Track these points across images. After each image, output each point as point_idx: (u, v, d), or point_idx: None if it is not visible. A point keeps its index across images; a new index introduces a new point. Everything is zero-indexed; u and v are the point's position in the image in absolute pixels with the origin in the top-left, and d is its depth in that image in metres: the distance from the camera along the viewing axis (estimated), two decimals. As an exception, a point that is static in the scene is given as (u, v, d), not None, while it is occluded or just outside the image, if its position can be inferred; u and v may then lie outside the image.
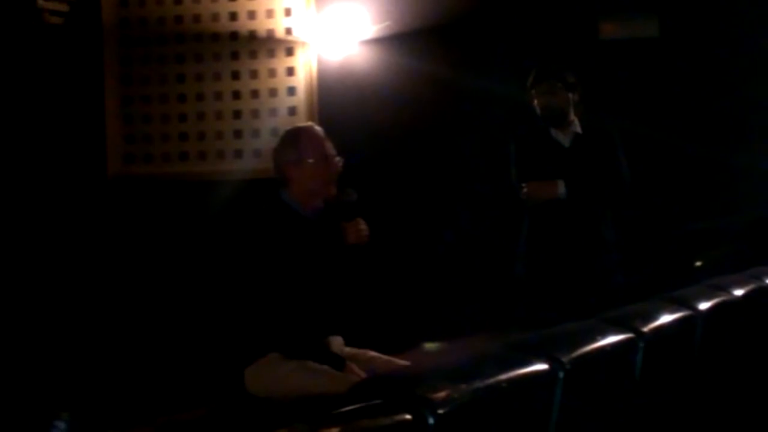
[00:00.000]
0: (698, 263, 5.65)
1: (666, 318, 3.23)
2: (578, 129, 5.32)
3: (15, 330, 6.37)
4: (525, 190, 5.19)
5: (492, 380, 2.39)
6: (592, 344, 2.80)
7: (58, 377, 5.83)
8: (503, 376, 2.42)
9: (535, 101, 5.27)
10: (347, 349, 4.18)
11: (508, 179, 5.34)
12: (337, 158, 4.18)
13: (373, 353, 4.20)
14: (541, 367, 2.53)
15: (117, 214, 6.91)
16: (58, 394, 5.22)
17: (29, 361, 6.12)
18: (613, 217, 5.34)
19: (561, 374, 2.56)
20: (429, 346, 5.39)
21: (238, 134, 6.83)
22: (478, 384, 2.35)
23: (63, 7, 6.86)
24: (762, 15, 6.10)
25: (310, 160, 4.10)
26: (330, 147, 4.18)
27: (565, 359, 2.59)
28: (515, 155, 5.33)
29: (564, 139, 5.31)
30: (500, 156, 5.47)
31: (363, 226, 4.18)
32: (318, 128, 4.27)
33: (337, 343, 4.17)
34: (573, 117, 5.32)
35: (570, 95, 5.28)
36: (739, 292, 3.85)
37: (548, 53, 6.09)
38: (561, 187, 5.15)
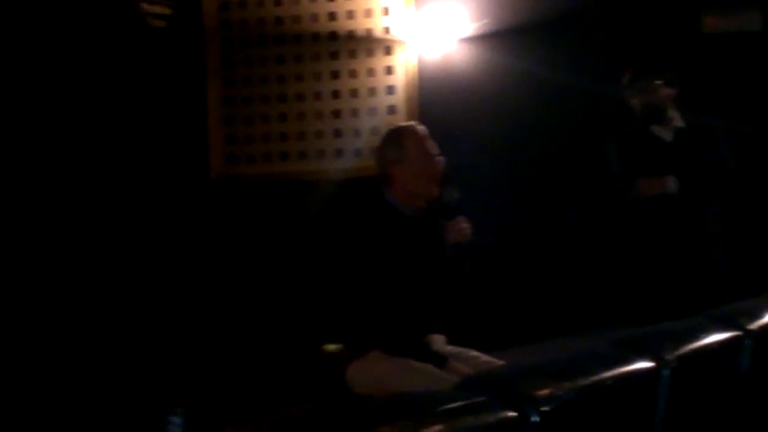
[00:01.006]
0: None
1: (774, 316, 3.18)
2: (680, 123, 5.29)
3: (127, 328, 6.51)
4: (636, 187, 5.16)
5: (596, 378, 2.38)
6: (698, 342, 2.78)
7: (171, 373, 5.95)
8: (607, 374, 2.41)
9: (634, 99, 5.25)
10: (449, 348, 4.18)
11: (610, 178, 5.31)
12: (440, 158, 4.17)
13: (474, 352, 4.19)
14: (646, 365, 2.52)
15: (221, 214, 7.00)
16: (171, 389, 5.32)
17: (143, 357, 6.26)
18: (719, 210, 5.28)
19: (666, 372, 2.54)
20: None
21: (338, 133, 6.88)
22: (582, 381, 2.34)
23: (165, 11, 6.98)
24: None
25: (413, 160, 4.09)
26: (433, 146, 4.17)
27: (669, 357, 2.57)
28: (617, 154, 5.30)
29: (666, 135, 5.27)
30: (600, 156, 5.43)
31: (465, 225, 4.17)
32: (421, 127, 4.25)
33: (439, 341, 4.17)
34: (672, 112, 5.28)
35: (668, 91, 5.25)
36: None
37: (650, 49, 6.01)
38: (671, 183, 5.12)
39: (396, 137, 4.21)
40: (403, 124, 4.77)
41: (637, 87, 5.23)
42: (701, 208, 5.22)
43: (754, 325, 3.01)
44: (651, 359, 2.53)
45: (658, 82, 5.21)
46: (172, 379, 5.80)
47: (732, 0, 6.14)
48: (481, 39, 6.45)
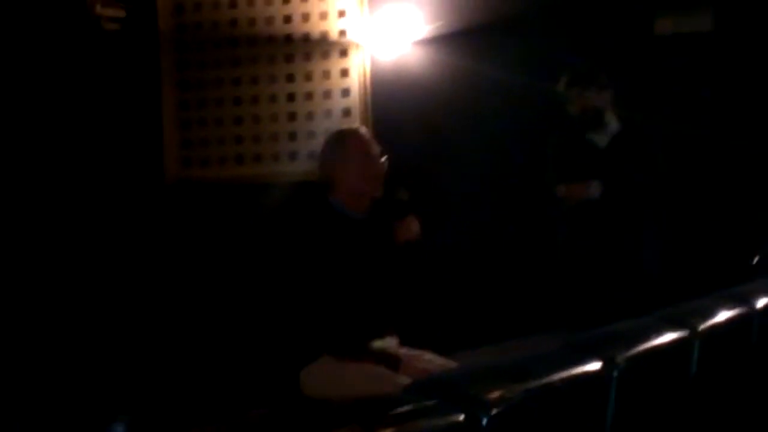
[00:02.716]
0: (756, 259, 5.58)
1: (722, 315, 3.21)
2: (615, 129, 5.31)
3: (73, 333, 6.45)
4: (560, 191, 5.19)
5: (545, 380, 2.39)
6: (647, 343, 2.79)
7: (116, 380, 5.90)
8: (557, 376, 2.42)
9: (569, 106, 5.29)
10: (403, 350, 4.18)
11: (546, 182, 5.36)
12: (383, 159, 4.18)
13: (429, 355, 4.19)
14: (595, 366, 2.53)
15: (176, 218, 6.97)
16: (116, 396, 5.28)
17: (88, 363, 6.20)
18: (654, 214, 5.30)
19: (615, 373, 2.55)
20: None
21: (293, 136, 6.87)
22: (532, 384, 2.35)
23: (120, 14, 6.93)
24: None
25: (355, 161, 4.11)
26: (375, 148, 4.18)
27: (619, 358, 2.59)
28: (552, 159, 5.33)
29: (600, 140, 5.30)
30: (539, 159, 5.48)
31: (414, 224, 4.19)
32: (363, 129, 4.30)
33: (392, 343, 4.17)
34: (609, 117, 5.31)
35: (603, 96, 5.28)
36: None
37: (602, 51, 6.05)
38: (593, 188, 5.14)
39: (338, 140, 4.24)
40: (345, 127, 4.81)
41: (572, 94, 5.26)
42: (635, 213, 5.24)
43: (704, 326, 3.03)
44: (600, 360, 2.54)
45: (593, 87, 5.24)
46: (118, 385, 5.76)
47: (684, 2, 6.19)
48: (434, 42, 6.47)
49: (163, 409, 4.84)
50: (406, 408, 2.10)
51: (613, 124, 5.30)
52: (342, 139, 4.24)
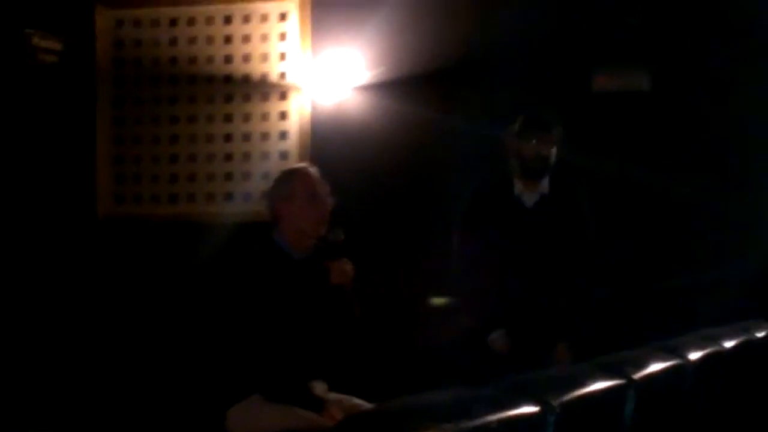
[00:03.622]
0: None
1: (657, 366, 3.20)
2: (545, 189, 5.04)
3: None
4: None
5: (480, 421, 2.35)
6: (583, 389, 2.76)
7: (36, 400, 5.78)
8: (492, 417, 2.37)
9: (520, 150, 5.00)
10: (331, 395, 4.14)
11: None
12: (330, 199, 4.18)
13: (357, 400, 4.16)
14: (532, 409, 2.49)
15: (108, 255, 6.87)
16: (26, 412, 5.18)
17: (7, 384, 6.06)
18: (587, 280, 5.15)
19: (551, 418, 2.52)
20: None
21: (228, 177, 6.81)
22: (466, 424, 2.31)
23: (57, 46, 6.86)
24: (753, 65, 6.13)
25: (301, 199, 4.13)
26: (323, 187, 4.20)
27: (555, 402, 2.55)
28: (474, 214, 5.07)
29: (528, 199, 5.04)
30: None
31: (348, 266, 4.17)
32: (313, 169, 4.28)
33: (320, 387, 4.13)
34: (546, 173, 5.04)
35: (556, 146, 5.03)
36: (729, 344, 3.82)
37: (541, 103, 6.08)
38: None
39: (287, 177, 4.28)
40: (296, 165, 4.80)
41: (529, 137, 4.98)
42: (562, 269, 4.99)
43: (638, 375, 3.02)
44: (536, 404, 2.50)
45: (549, 135, 4.99)
46: (29, 402, 5.64)
47: (621, 60, 6.26)
48: (375, 87, 6.47)
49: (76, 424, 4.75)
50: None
51: (544, 182, 5.05)
52: (290, 177, 4.27)
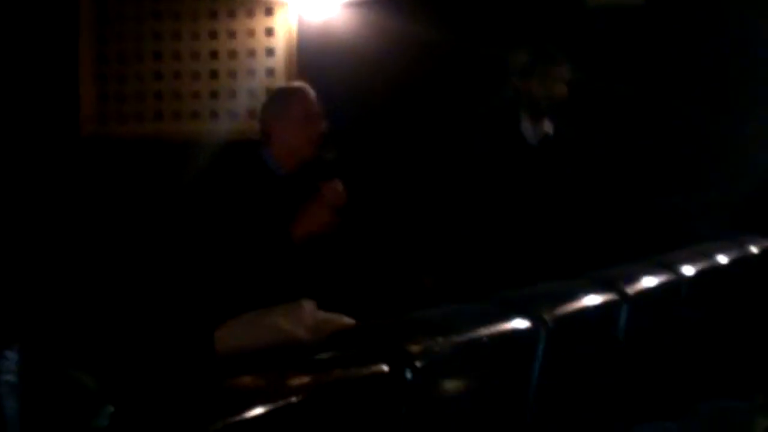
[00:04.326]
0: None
1: (650, 281, 3.16)
2: (550, 129, 4.82)
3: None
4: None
5: (472, 335, 2.31)
6: (576, 303, 2.73)
7: (12, 311, 5.73)
8: (484, 331, 2.34)
9: (528, 87, 4.74)
10: (320, 314, 4.12)
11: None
12: (323, 121, 4.12)
13: (347, 319, 4.14)
14: (523, 324, 2.45)
15: (91, 173, 6.79)
16: (9, 326, 5.13)
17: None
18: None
19: (543, 332, 2.48)
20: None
21: (214, 95, 6.70)
22: (458, 338, 2.26)
23: (38, -38, 6.71)
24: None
25: (294, 118, 4.06)
26: (317, 108, 4.13)
27: (547, 317, 2.52)
28: (482, 153, 4.83)
29: (532, 137, 4.81)
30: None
31: (340, 186, 4.11)
32: (309, 89, 4.20)
33: (309, 306, 4.10)
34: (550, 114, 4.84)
35: (564, 88, 4.75)
36: (723, 259, 3.79)
37: (537, 24, 5.97)
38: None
39: (281, 95, 4.24)
40: (292, 84, 4.73)
41: (536, 73, 4.72)
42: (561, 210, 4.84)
43: (631, 289, 2.98)
44: (529, 318, 2.46)
45: (561, 68, 4.72)
46: (9, 314, 5.59)
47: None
48: (363, 3, 6.35)
49: (58, 341, 4.71)
50: (326, 355, 1.99)
51: (546, 125, 4.82)
52: (285, 95, 4.21)
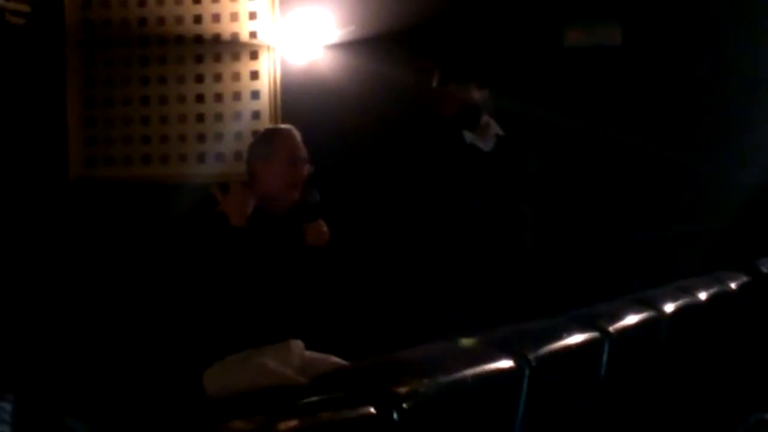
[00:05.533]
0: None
1: (631, 318, 3.22)
2: (498, 130, 5.04)
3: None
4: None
5: (457, 375, 2.36)
6: (559, 342, 2.78)
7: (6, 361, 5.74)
8: (469, 372, 2.39)
9: (443, 104, 5.02)
10: (308, 354, 4.14)
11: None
12: (307, 165, 4.13)
13: (335, 359, 4.16)
14: (507, 363, 2.51)
15: (78, 217, 6.82)
16: (3, 375, 5.14)
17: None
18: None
19: (527, 371, 2.53)
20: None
21: (201, 138, 6.77)
22: (443, 378, 2.32)
23: (25, 8, 6.77)
24: (723, 23, 6.13)
25: (278, 160, 4.06)
26: (303, 151, 4.14)
27: (531, 356, 2.57)
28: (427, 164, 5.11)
29: (483, 144, 5.03)
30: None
31: (324, 227, 4.15)
32: (295, 131, 4.20)
33: (297, 346, 4.12)
34: (487, 118, 5.05)
35: (479, 95, 5.01)
36: (703, 295, 3.84)
37: (508, 58, 6.07)
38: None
39: (267, 136, 4.23)
40: (279, 125, 4.76)
41: (447, 90, 4.98)
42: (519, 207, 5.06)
43: (612, 327, 3.04)
44: (512, 358, 2.52)
45: (470, 84, 4.98)
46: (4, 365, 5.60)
47: (593, 14, 6.25)
48: (346, 46, 6.43)
49: (53, 390, 4.72)
50: (312, 399, 2.04)
51: (493, 127, 5.04)
52: (271, 135, 4.23)
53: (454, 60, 5.32)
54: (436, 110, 5.09)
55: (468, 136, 5.04)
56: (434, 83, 5.05)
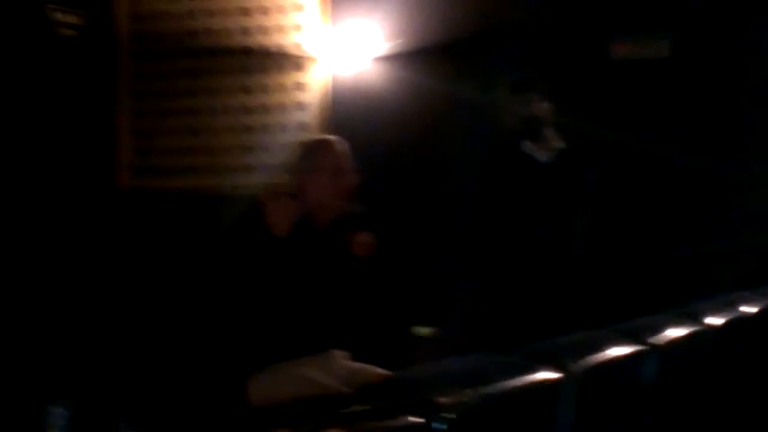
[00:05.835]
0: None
1: (677, 332, 3.21)
2: (560, 143, 5.13)
3: (22, 336, 6.34)
4: None
5: (501, 387, 2.37)
6: (602, 355, 2.78)
7: (58, 367, 5.81)
8: (512, 383, 2.39)
9: (508, 114, 5.12)
10: (352, 364, 4.14)
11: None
12: (353, 176, 4.11)
13: (379, 369, 4.16)
14: (551, 375, 2.51)
15: (129, 227, 6.90)
16: (56, 381, 5.19)
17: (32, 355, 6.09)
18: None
19: (570, 384, 2.53)
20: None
21: (248, 149, 6.83)
22: (487, 390, 2.32)
23: (77, 21, 6.87)
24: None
25: (323, 172, 4.04)
26: (347, 162, 4.09)
27: (574, 369, 2.57)
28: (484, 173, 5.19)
29: (541, 155, 5.12)
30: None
31: (369, 239, 4.14)
32: (341, 142, 4.15)
33: (341, 357, 4.13)
34: (549, 132, 5.13)
35: (544, 107, 5.10)
36: (751, 309, 3.82)
37: (559, 72, 6.06)
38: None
39: (312, 147, 4.17)
40: (324, 136, 4.73)
41: (511, 102, 5.09)
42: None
43: (658, 341, 3.03)
44: (556, 370, 2.52)
45: (533, 96, 5.06)
46: (58, 370, 5.66)
47: (641, 27, 6.23)
48: (394, 58, 6.46)
49: (105, 396, 4.75)
50: (359, 407, 2.06)
51: (553, 139, 5.12)
52: (315, 149, 4.16)
53: (515, 72, 5.35)
54: (499, 122, 5.13)
55: (527, 145, 5.09)
56: (500, 94, 5.13)
